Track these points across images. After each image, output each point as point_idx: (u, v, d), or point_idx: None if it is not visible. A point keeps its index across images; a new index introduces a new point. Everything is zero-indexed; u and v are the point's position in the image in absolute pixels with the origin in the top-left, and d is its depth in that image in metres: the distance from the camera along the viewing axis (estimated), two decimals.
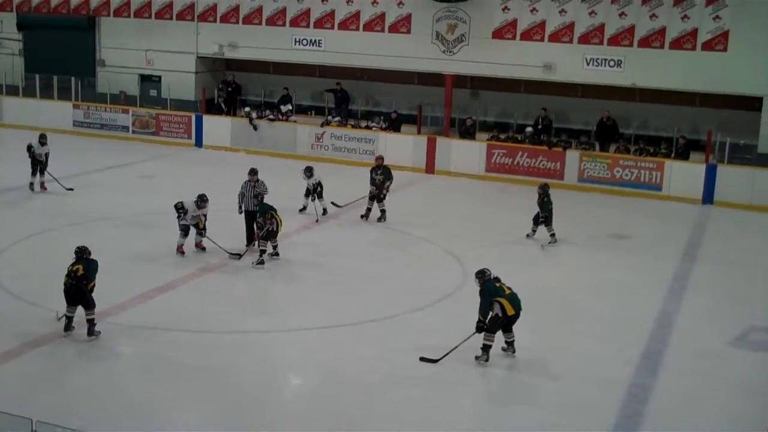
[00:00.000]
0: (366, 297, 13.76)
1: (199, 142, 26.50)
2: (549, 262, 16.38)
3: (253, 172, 16.23)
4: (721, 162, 21.87)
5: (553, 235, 17.03)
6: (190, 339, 11.79)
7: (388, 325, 12.58)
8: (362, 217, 18.48)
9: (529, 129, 23.79)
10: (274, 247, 15.23)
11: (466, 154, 23.82)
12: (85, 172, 21.78)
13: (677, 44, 22.32)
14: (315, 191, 18.36)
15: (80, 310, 11.48)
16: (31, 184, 19.56)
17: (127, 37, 28.26)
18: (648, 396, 10.58)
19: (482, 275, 11.38)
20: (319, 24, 25.88)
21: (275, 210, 15.18)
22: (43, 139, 19.52)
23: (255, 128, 25.70)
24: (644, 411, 10.15)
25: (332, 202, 18.64)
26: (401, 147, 24.37)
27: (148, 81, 28.38)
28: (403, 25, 25.00)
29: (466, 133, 24.46)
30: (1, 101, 28.83)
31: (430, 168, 24.05)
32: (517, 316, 11.27)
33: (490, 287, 11.25)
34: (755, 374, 11.48)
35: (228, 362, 11.07)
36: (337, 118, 25.81)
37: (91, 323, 11.50)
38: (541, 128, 23.95)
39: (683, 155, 22.45)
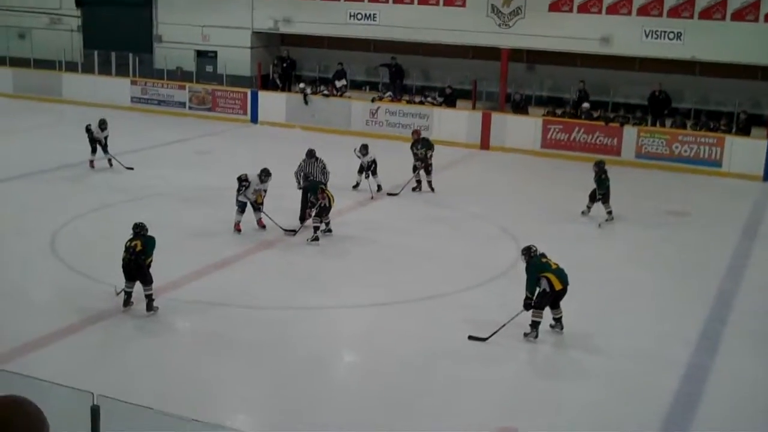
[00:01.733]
0: (419, 274, 13.76)
1: (254, 118, 26.64)
2: (605, 240, 16.21)
3: (311, 154, 16.29)
4: None
5: (610, 212, 16.82)
6: (244, 314, 11.92)
7: (441, 303, 12.58)
8: (414, 189, 18.50)
9: (586, 105, 23.46)
10: (327, 224, 15.30)
11: (521, 129, 23.60)
12: (143, 148, 22.04)
13: (739, 15, 21.80)
14: (369, 168, 18.37)
15: (139, 286, 11.67)
16: (91, 161, 19.85)
17: (183, 12, 28.42)
18: (706, 376, 10.45)
19: (528, 252, 11.35)
20: None
21: (325, 186, 15.27)
22: (103, 125, 19.74)
23: (307, 103, 25.72)
24: (701, 391, 10.03)
25: (388, 193, 18.48)
26: (456, 122, 24.24)
27: (204, 57, 28.57)
28: None
29: (517, 107, 24.24)
30: (60, 77, 29.26)
31: (485, 144, 23.88)
32: (564, 291, 11.22)
33: (536, 263, 11.22)
34: None
35: (281, 338, 11.18)
36: (388, 94, 25.73)
37: (149, 298, 11.68)
38: (577, 99, 23.65)
39: (744, 131, 21.98)
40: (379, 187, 18.45)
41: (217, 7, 27.87)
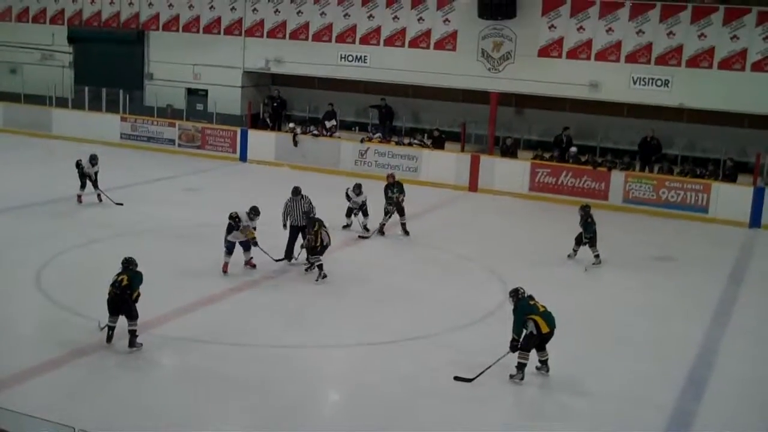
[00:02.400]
0: (407, 314, 13.72)
1: (243, 157, 26.70)
2: (591, 283, 16.23)
3: (296, 191, 16.35)
4: None
5: (597, 256, 16.86)
6: (230, 352, 11.84)
7: (428, 343, 12.53)
8: (380, 233, 18.45)
9: (573, 149, 23.62)
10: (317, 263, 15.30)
11: (509, 172, 23.72)
12: (132, 184, 22.04)
13: (726, 64, 22.08)
14: (361, 208, 18.41)
15: (123, 321, 11.59)
16: (79, 196, 19.81)
17: (175, 51, 28.63)
18: (692, 420, 10.42)
19: (516, 294, 11.38)
20: (365, 40, 26.01)
21: (323, 223, 15.33)
22: (93, 160, 19.75)
23: (296, 144, 25.80)
24: None
25: (359, 235, 18.39)
26: (444, 164, 24.36)
27: (195, 95, 28.70)
28: (448, 42, 25.02)
29: (507, 151, 24.38)
30: (51, 113, 29.30)
31: (473, 186, 23.98)
32: (551, 334, 11.20)
33: (524, 305, 11.23)
34: None
35: (267, 376, 11.10)
36: (377, 135, 25.85)
37: (132, 334, 11.59)
38: (564, 146, 23.82)
39: (731, 177, 22.16)
40: (366, 229, 18.44)
41: (209, 47, 28.07)
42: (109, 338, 11.67)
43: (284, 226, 16.16)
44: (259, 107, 28.13)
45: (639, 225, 20.84)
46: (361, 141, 25.42)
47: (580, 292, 15.37)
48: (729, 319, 14.33)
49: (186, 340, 12.09)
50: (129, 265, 11.77)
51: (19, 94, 30.06)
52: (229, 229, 15.15)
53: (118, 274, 11.69)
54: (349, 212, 18.54)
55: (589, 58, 23.45)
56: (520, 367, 11.19)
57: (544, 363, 11.44)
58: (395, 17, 25.61)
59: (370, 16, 25.95)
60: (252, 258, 15.49)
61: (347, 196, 18.54)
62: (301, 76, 27.63)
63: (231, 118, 27.66)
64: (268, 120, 27.61)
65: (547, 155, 24.12)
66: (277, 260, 15.67)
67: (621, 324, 13.74)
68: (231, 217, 15.16)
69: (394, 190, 18.65)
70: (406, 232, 18.55)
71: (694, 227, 20.92)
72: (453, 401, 10.63)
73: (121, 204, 19.73)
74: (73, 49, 30.41)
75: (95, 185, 19.81)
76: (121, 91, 29.20)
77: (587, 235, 16.85)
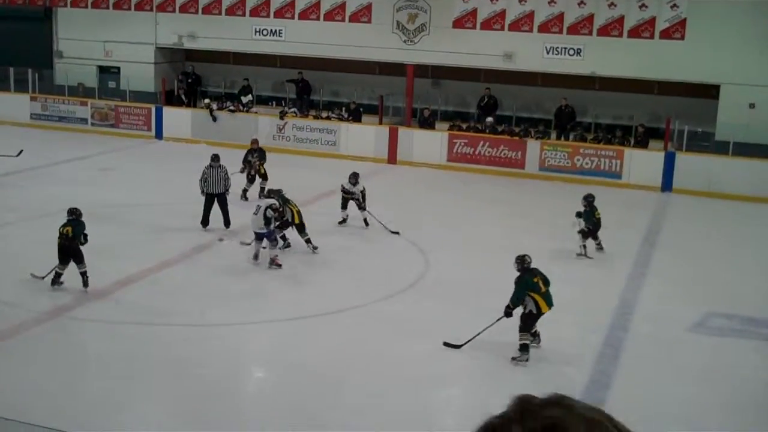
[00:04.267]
0: (330, 288, 13.74)
1: (159, 134, 26.26)
2: (511, 251, 16.40)
3: (215, 158, 16.42)
4: (680, 150, 22.15)
5: (599, 244, 16.20)
6: (151, 333, 11.70)
7: (354, 316, 12.58)
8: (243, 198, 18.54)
9: (489, 119, 23.86)
10: (308, 241, 15.28)
11: (427, 144, 23.86)
12: (45, 165, 21.49)
13: (635, 32, 22.52)
14: (361, 199, 17.04)
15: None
16: None
17: (84, 28, 27.89)
18: (610, 382, 10.70)
19: (522, 262, 11.31)
20: (280, 14, 25.74)
21: (288, 200, 15.24)
22: None
23: (214, 119, 25.57)
24: (606, 397, 10.25)
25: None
26: (363, 137, 24.36)
27: (107, 72, 28.05)
28: (363, 14, 24.95)
29: (425, 123, 24.51)
30: None
31: (392, 158, 24.04)
32: (542, 313, 11.25)
33: (527, 281, 11.15)
34: (713, 360, 11.66)
35: (190, 356, 11.00)
36: (293, 109, 25.71)
37: (84, 275, 12.66)
38: (484, 107, 24.07)
39: (642, 143, 22.69)
40: (366, 223, 17.20)
41: (120, 23, 27.43)
42: (55, 281, 12.67)
43: (202, 192, 16.24)
44: (174, 84, 27.65)
45: (555, 192, 21.16)
46: (280, 116, 25.19)
47: (499, 258, 15.54)
48: (643, 281, 14.71)
49: (106, 323, 11.91)
50: (72, 216, 12.81)
51: None
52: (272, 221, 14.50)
53: (63, 226, 12.69)
54: (345, 203, 17.23)
55: (503, 28, 23.65)
56: (524, 348, 11.13)
57: (536, 335, 11.50)
58: None
59: None
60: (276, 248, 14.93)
61: (343, 188, 17.12)
62: (215, 51, 27.26)
63: (145, 95, 27.15)
64: (183, 96, 27.19)
65: (464, 126, 24.32)
66: (242, 243, 15.37)
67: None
68: (275, 210, 14.47)
69: (255, 155, 18.86)
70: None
71: (608, 193, 21.25)
72: (377, 376, 10.71)
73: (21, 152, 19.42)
74: None
75: None
76: (30, 70, 28.32)
77: (588, 226, 16.02)
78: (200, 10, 26.66)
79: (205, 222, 16.26)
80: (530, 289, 11.15)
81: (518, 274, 11.32)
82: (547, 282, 11.34)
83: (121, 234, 15.61)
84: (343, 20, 25.20)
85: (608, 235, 17.43)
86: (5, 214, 17.05)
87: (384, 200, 19.88)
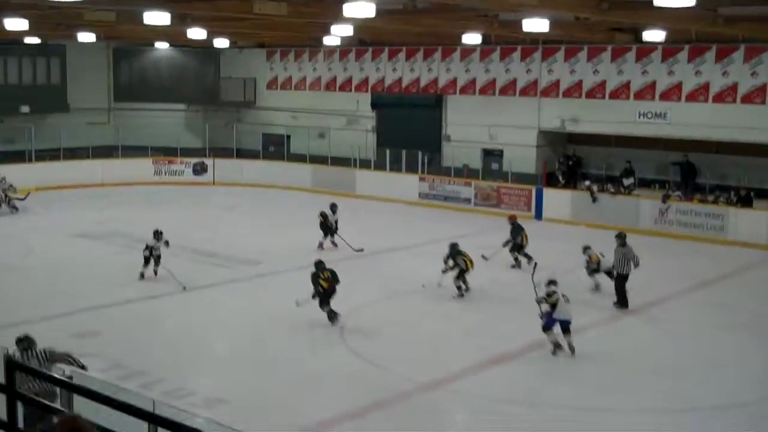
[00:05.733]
0: None
1: (539, 215, 26.62)
2: None
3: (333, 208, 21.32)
4: None
5: None
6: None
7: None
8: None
9: None
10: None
11: None
12: (427, 242, 22.50)
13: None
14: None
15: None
16: (321, 243, 21.28)
17: (471, 113, 29.28)
18: None
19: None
20: (666, 96, 25.22)
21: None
22: (333, 208, 21.69)
23: (594, 200, 25.42)
24: None
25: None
26: (754, 223, 22.86)
27: (491, 155, 29.15)
28: (757, 95, 23.66)
29: None
30: (354, 174, 30.93)
31: None
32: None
33: None
34: None
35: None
36: (677, 192, 24.81)
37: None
38: None
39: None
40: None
41: (505, 108, 28.48)
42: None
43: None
44: (554, 166, 27.99)
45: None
46: (663, 200, 24.42)
47: None
48: None
49: None
50: (320, 267, 14.98)
51: (326, 156, 32.04)
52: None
53: (323, 270, 14.88)
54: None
55: None
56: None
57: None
58: (697, 72, 24.65)
59: (670, 72, 25.18)
60: None
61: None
62: (596, 134, 27.25)
63: (526, 176, 27.72)
64: (560, 177, 27.41)
65: None
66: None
67: None
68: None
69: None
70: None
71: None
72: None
73: (362, 250, 20.80)
74: (376, 113, 32.07)
75: (334, 232, 21.52)
76: (420, 153, 30.18)
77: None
78: (584, 95, 26.89)
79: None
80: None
81: None
82: None
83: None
84: (734, 102, 24.07)
85: None
86: (394, 285, 18.01)
87: None
